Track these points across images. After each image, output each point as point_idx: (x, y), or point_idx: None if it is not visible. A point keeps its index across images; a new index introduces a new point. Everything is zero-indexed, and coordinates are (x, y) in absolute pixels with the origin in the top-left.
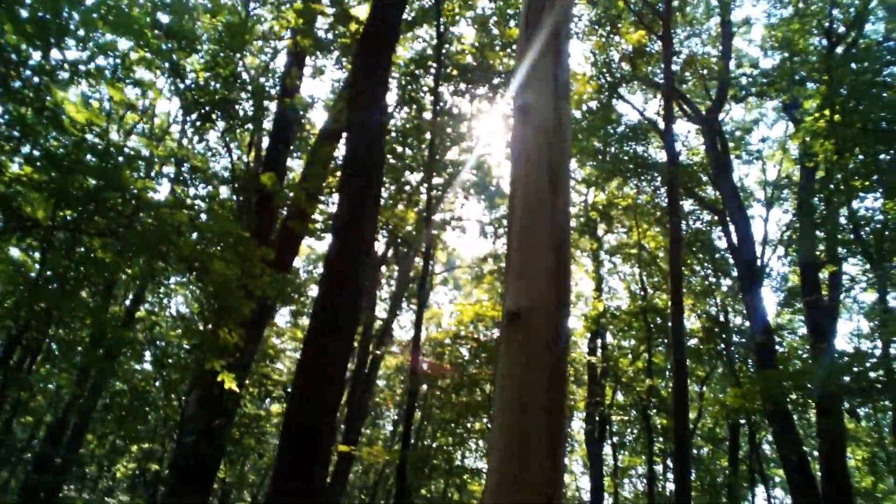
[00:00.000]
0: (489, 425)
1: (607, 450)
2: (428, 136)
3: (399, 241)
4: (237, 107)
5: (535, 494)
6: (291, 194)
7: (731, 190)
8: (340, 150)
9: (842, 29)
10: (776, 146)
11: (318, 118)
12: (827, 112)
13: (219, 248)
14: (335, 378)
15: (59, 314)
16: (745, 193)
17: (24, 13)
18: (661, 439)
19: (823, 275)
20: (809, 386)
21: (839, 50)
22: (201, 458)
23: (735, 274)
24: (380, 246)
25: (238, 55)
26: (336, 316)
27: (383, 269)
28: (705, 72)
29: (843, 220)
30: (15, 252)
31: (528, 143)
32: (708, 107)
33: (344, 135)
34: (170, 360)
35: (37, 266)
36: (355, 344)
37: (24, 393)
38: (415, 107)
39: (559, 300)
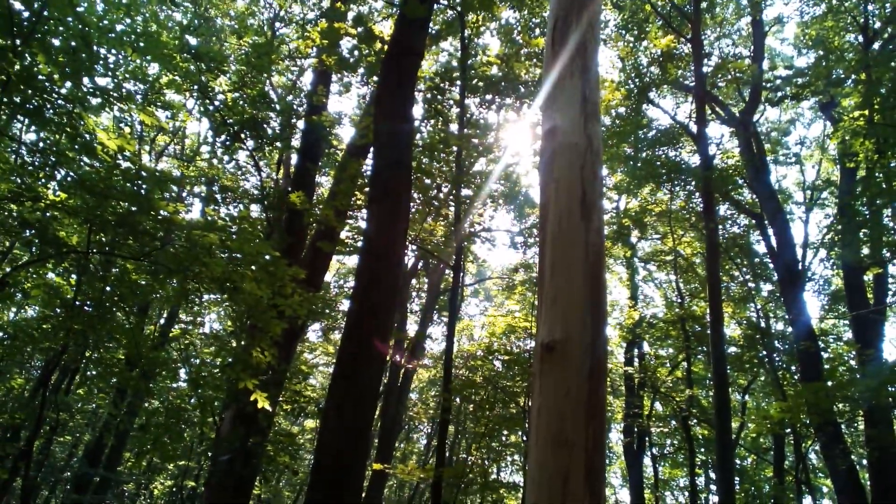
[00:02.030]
0: (524, 438)
1: (647, 462)
2: (455, 148)
3: (428, 254)
4: (265, 126)
5: None
6: (320, 211)
7: (768, 193)
8: (368, 166)
9: (878, 24)
10: (814, 147)
11: (345, 134)
12: (866, 111)
13: (250, 269)
14: (368, 399)
15: (95, 337)
16: (784, 196)
17: (56, 42)
18: (702, 450)
19: (868, 277)
20: (857, 397)
21: (876, 46)
22: (237, 475)
23: (775, 279)
24: (409, 259)
25: (265, 75)
26: (368, 335)
27: (413, 282)
28: (738, 74)
29: (886, 221)
30: (51, 276)
31: (557, 167)
32: (742, 109)
33: (371, 149)
34: (204, 377)
35: (73, 289)
36: (388, 359)
37: (64, 414)
38: (441, 119)
39: (596, 327)
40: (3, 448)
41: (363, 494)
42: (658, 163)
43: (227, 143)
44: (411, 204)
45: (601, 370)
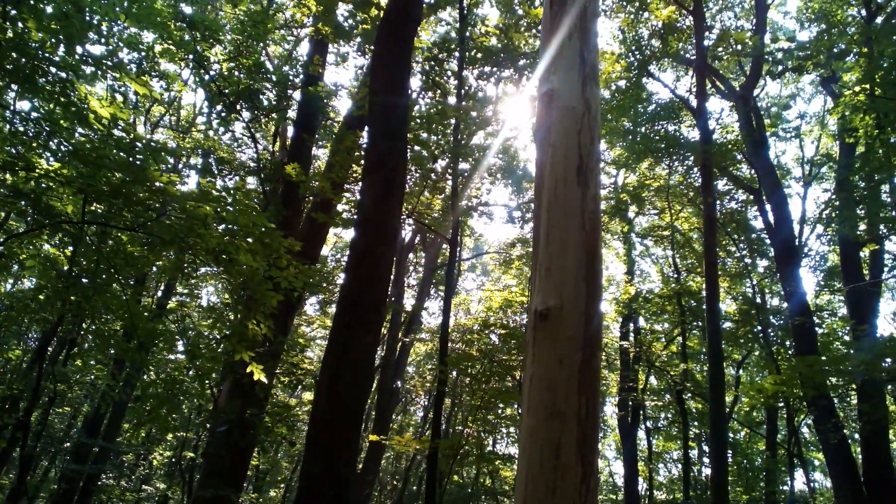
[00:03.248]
0: (520, 410)
1: (641, 434)
2: (453, 121)
3: (425, 227)
4: (261, 96)
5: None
6: (317, 184)
7: (767, 168)
8: (365, 138)
9: None
10: (814, 122)
11: (342, 106)
12: (867, 85)
13: (246, 241)
14: (362, 370)
15: (91, 308)
16: (782, 171)
17: (49, 9)
18: (696, 423)
19: (864, 254)
20: (851, 371)
21: (879, 20)
22: (234, 446)
23: (772, 254)
24: (406, 233)
25: (261, 44)
26: (363, 306)
27: (410, 256)
28: (739, 47)
29: (884, 197)
30: (46, 247)
31: (554, 131)
32: (742, 83)
33: (368, 122)
34: (202, 350)
35: (68, 261)
36: (384, 332)
37: (61, 385)
38: (439, 91)
39: (591, 297)
40: (1, 418)
41: (360, 466)
42: (657, 137)
43: (223, 114)
44: (408, 177)
45: (596, 340)
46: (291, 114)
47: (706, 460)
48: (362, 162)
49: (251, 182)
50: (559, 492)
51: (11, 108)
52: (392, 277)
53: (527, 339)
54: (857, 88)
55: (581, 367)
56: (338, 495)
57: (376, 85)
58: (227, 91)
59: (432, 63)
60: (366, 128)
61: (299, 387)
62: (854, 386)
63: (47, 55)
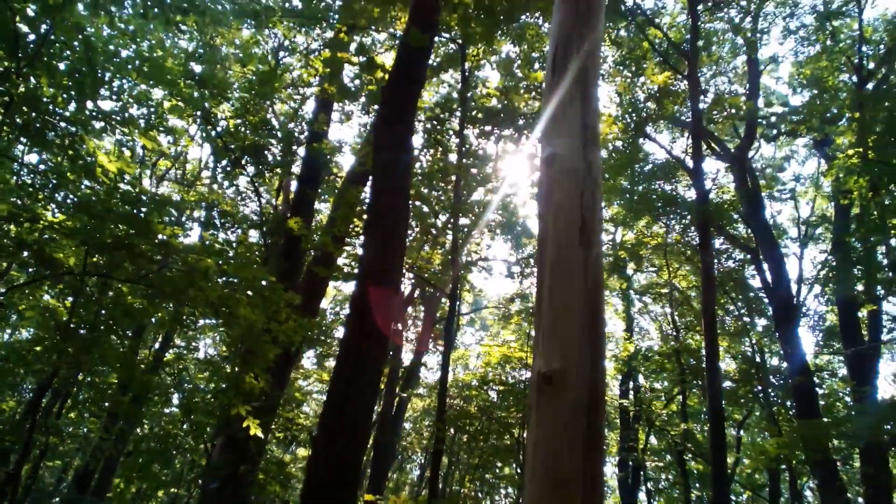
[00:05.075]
0: (518, 470)
1: (642, 496)
2: (453, 178)
3: (425, 282)
4: (266, 152)
5: None
6: (318, 238)
7: (763, 228)
8: (367, 194)
9: (871, 65)
10: (808, 183)
11: (345, 162)
12: (860, 148)
13: (246, 294)
14: (361, 428)
15: (89, 360)
16: (779, 231)
17: (62, 66)
18: (697, 485)
19: (863, 314)
20: (854, 434)
21: (870, 86)
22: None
23: (770, 313)
24: (406, 287)
25: (268, 102)
26: (362, 361)
27: (409, 310)
28: (733, 111)
29: (881, 258)
30: (46, 297)
31: (556, 193)
32: (737, 145)
33: (370, 177)
34: (196, 402)
35: (67, 312)
36: (381, 387)
37: (54, 438)
38: (440, 149)
39: (595, 359)
40: None
41: None
42: (654, 196)
43: (228, 168)
44: (409, 231)
45: (600, 402)
46: (295, 169)
47: None
48: (364, 217)
49: (253, 235)
50: None
51: (20, 160)
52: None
53: (530, 402)
54: (850, 151)
55: (587, 431)
56: None
57: (380, 141)
58: (232, 146)
59: (434, 122)
60: (368, 183)
61: (293, 443)
62: (857, 449)
63: (59, 111)
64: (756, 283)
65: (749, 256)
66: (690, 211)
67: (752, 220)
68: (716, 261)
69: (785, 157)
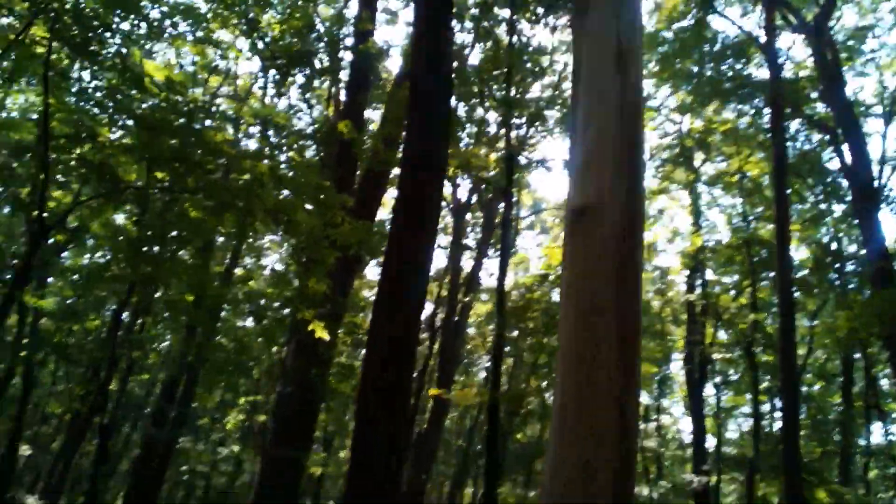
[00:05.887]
0: None
1: (709, 390)
2: (505, 70)
3: (481, 181)
4: (314, 59)
5: (607, 405)
6: (370, 140)
7: (843, 105)
8: None
9: None
10: (895, 53)
11: (393, 67)
12: None
13: (302, 199)
14: (412, 308)
15: (160, 276)
16: (861, 108)
17: None
18: (767, 377)
19: None
20: None
21: None
22: (301, 406)
23: (849, 198)
24: (463, 192)
25: (311, 4)
26: (410, 247)
27: (468, 216)
28: None
29: None
30: (119, 218)
31: (590, 18)
32: (815, 14)
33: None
34: (268, 313)
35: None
36: (445, 292)
37: (138, 353)
38: (490, 42)
39: (631, 191)
40: (86, 386)
41: (424, 426)
42: (724, 78)
43: (278, 78)
44: (463, 133)
45: (636, 232)
46: (343, 76)
47: (778, 414)
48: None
49: (308, 151)
50: (598, 389)
51: (77, 79)
52: (452, 235)
53: (564, 241)
54: None
55: (621, 260)
56: (393, 435)
57: (418, 50)
58: (279, 56)
59: (482, 12)
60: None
61: (361, 347)
62: None
63: (104, 24)
64: (834, 165)
65: (827, 137)
66: (763, 91)
67: (831, 98)
68: (790, 144)
69: (869, 25)
